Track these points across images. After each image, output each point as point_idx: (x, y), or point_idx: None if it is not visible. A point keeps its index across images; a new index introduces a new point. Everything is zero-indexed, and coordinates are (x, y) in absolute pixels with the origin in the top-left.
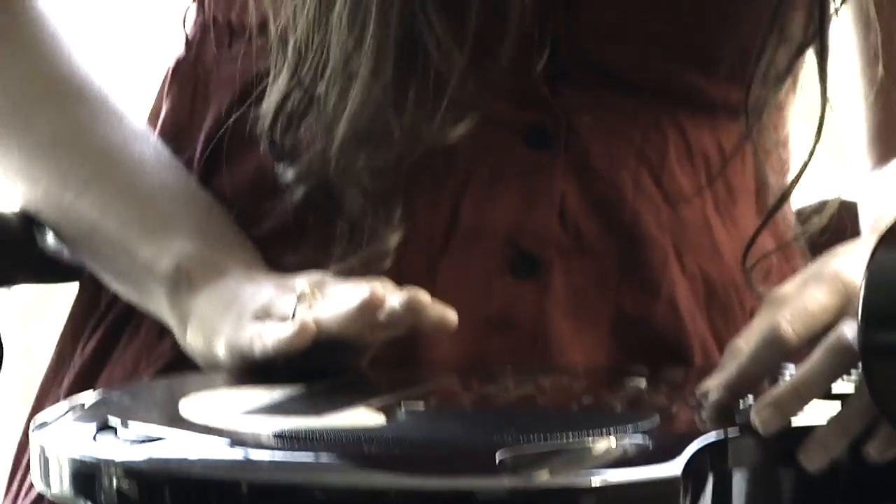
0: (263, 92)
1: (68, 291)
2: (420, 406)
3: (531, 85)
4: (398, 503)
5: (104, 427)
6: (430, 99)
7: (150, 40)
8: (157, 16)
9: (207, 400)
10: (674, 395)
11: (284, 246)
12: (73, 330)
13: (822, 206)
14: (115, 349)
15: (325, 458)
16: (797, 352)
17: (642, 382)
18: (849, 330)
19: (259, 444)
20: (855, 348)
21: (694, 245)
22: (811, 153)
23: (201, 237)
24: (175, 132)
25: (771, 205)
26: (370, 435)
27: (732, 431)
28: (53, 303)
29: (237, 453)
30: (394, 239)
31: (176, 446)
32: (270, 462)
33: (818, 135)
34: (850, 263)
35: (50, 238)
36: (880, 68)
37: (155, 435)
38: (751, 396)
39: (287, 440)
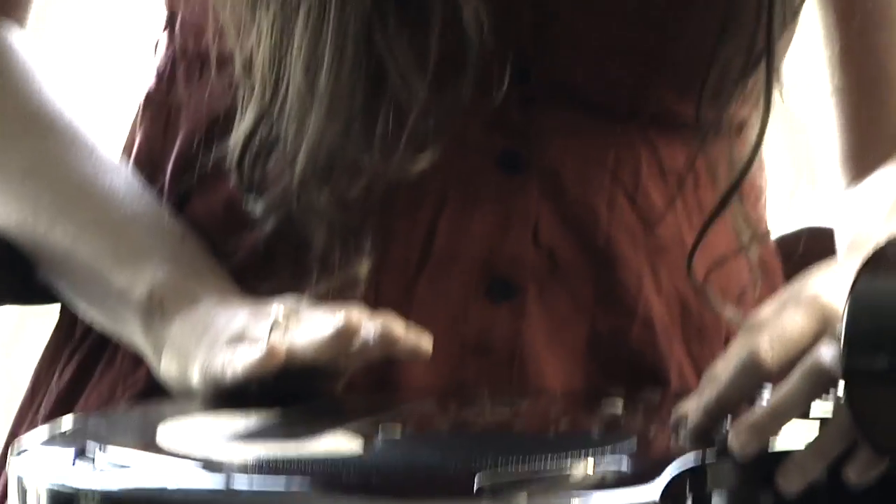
0: (232, 123)
1: (49, 317)
2: (397, 431)
3: (503, 110)
4: None
5: (82, 454)
6: (392, 131)
7: (124, 70)
8: (131, 45)
9: (185, 426)
10: (651, 418)
11: (256, 276)
12: (50, 357)
13: (803, 233)
14: (92, 376)
15: (303, 485)
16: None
17: (620, 405)
18: (826, 353)
19: (237, 472)
20: (832, 371)
21: (669, 264)
22: (752, 157)
23: (174, 265)
24: (148, 162)
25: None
26: (347, 461)
27: (710, 455)
28: (33, 329)
29: (215, 480)
30: (364, 268)
31: (154, 474)
32: (249, 489)
33: (760, 138)
34: (827, 286)
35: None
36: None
37: (133, 462)
38: (728, 419)
39: (265, 467)
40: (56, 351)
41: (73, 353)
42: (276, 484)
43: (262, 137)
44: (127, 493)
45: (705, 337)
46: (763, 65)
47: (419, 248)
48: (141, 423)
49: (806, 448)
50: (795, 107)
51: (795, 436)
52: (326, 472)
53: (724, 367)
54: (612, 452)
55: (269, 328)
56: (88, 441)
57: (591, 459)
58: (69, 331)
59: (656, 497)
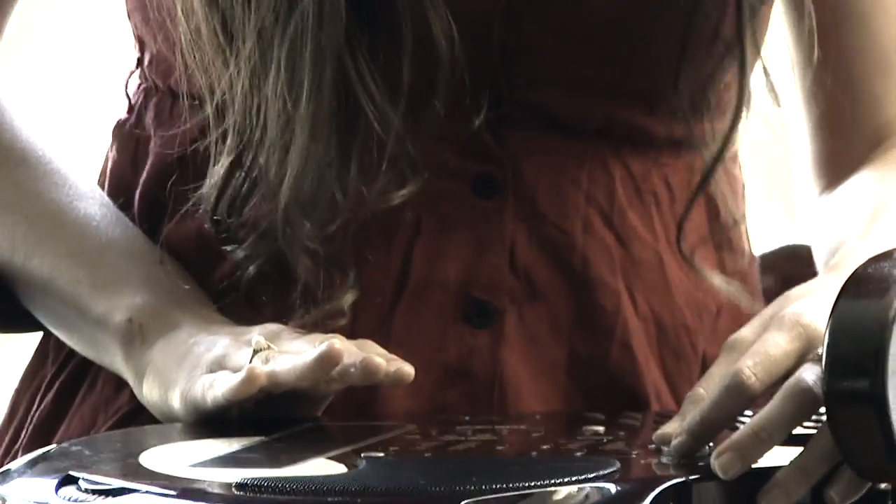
0: (200, 157)
1: (25, 340)
2: (380, 456)
3: (475, 134)
4: None
5: (66, 480)
6: (372, 162)
7: (99, 96)
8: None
9: (170, 452)
10: (633, 440)
11: (235, 309)
12: (28, 382)
13: (786, 250)
14: (73, 402)
15: None
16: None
17: (601, 428)
18: (809, 374)
19: (222, 497)
20: (815, 393)
21: (647, 284)
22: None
23: (152, 290)
24: (118, 191)
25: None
26: (332, 486)
27: (693, 476)
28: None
29: None
30: (348, 298)
31: (138, 499)
32: None
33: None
34: (809, 306)
35: None
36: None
37: (117, 487)
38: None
39: (250, 491)
40: (34, 377)
41: (54, 379)
42: None
43: (236, 184)
44: None
45: (682, 359)
46: (737, 72)
47: (395, 276)
48: (123, 450)
49: (789, 469)
50: (770, 117)
51: (778, 456)
52: (310, 497)
53: (706, 389)
54: (596, 476)
55: (249, 354)
56: (71, 468)
57: (575, 483)
58: (48, 356)
59: None
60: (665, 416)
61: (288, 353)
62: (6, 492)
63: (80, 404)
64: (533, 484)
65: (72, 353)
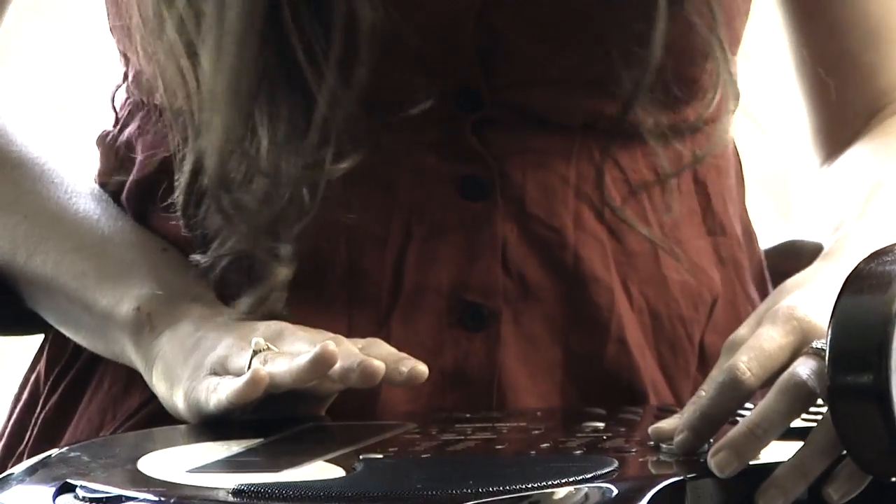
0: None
1: (27, 343)
2: (379, 458)
3: (459, 137)
4: None
5: (64, 488)
6: (301, 129)
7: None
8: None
9: (168, 456)
10: (631, 438)
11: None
12: (34, 383)
13: (787, 246)
14: (80, 403)
15: None
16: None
17: (600, 424)
18: (803, 368)
19: (220, 502)
20: (810, 387)
21: (641, 276)
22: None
23: (158, 279)
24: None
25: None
26: (331, 489)
27: (691, 475)
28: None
29: None
30: (282, 272)
31: None
32: None
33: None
34: (803, 299)
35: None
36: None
37: (114, 495)
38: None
39: (246, 498)
40: (36, 379)
41: (58, 381)
42: None
43: (201, 183)
44: None
45: (678, 350)
46: (717, 56)
47: (389, 284)
48: (122, 455)
49: (787, 466)
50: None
51: (776, 452)
52: (309, 501)
53: (706, 387)
54: (595, 476)
55: (249, 357)
56: (70, 476)
57: (573, 483)
58: (54, 357)
59: None
60: (665, 410)
61: (288, 353)
62: (5, 500)
63: (87, 405)
64: (530, 486)
65: (75, 354)
